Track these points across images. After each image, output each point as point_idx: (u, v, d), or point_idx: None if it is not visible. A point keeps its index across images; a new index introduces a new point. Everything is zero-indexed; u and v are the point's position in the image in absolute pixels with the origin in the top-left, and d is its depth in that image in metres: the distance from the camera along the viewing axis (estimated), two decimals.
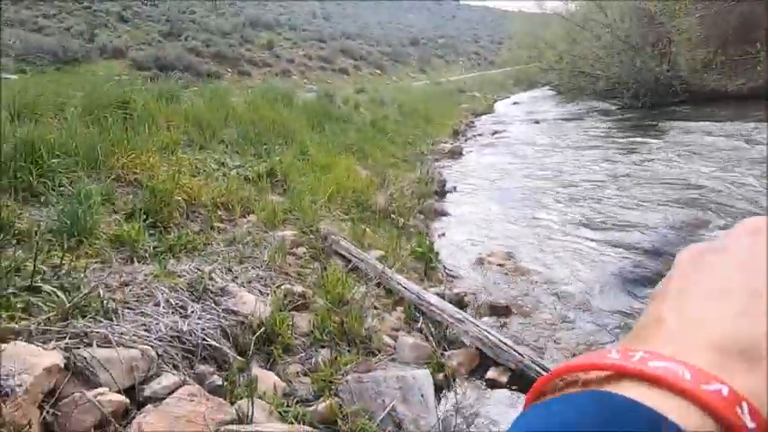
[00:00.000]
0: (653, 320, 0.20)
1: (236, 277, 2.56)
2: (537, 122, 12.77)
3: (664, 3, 12.79)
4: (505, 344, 2.46)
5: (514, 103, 19.44)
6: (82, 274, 2.05)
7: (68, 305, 1.75)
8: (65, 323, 1.70)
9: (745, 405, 0.16)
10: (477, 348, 2.51)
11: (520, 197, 5.88)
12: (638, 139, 8.83)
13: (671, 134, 8.95)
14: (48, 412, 1.40)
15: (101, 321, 1.80)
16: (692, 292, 0.20)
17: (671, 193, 5.34)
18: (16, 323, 1.62)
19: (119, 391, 1.60)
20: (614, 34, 14.04)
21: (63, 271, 2.00)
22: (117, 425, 1.48)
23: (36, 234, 2.17)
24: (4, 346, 1.48)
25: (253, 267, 2.71)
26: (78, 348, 1.62)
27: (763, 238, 0.22)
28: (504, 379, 2.33)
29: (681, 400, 0.16)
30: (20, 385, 1.32)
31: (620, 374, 0.17)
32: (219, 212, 3.32)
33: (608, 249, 4.04)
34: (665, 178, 5.97)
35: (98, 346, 1.68)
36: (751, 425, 0.16)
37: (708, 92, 12.49)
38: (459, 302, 3.06)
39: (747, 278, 0.20)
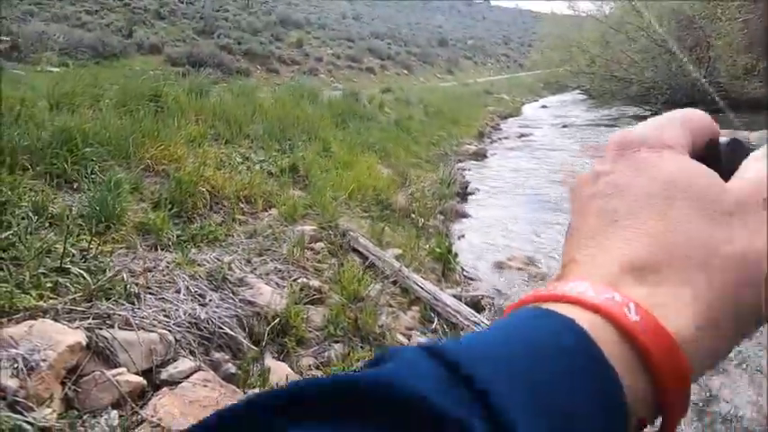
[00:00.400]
0: (568, 262, 0.23)
1: (255, 269, 2.61)
2: (565, 126, 12.49)
3: (704, 5, 12.30)
4: None
5: (543, 107, 19.08)
6: (108, 259, 2.13)
7: (93, 287, 1.82)
8: (89, 304, 1.76)
9: (632, 305, 0.19)
10: None
11: (544, 202, 5.77)
12: None
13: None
14: (69, 388, 1.46)
15: (123, 304, 1.86)
16: (586, 230, 0.23)
17: None
18: (44, 302, 1.70)
19: (137, 373, 1.66)
20: (650, 38, 13.59)
21: (90, 254, 2.08)
22: (133, 405, 1.52)
23: (67, 218, 2.27)
24: (32, 322, 1.55)
25: (271, 260, 2.76)
26: (101, 329, 1.68)
27: (630, 159, 0.24)
28: None
29: (582, 309, 0.19)
30: (44, 360, 1.38)
31: (541, 301, 0.21)
32: (242, 205, 3.39)
33: None
34: None
35: (119, 328, 1.74)
36: (635, 318, 0.19)
37: (748, 100, 11.94)
38: (476, 305, 3.03)
39: (622, 205, 0.23)
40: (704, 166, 0.23)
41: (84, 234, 2.23)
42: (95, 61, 14.05)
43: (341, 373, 0.16)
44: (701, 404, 2.18)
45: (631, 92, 14.32)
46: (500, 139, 11.15)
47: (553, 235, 4.59)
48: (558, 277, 0.23)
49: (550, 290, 0.21)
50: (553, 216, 5.18)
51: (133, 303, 1.90)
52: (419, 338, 2.49)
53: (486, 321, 2.63)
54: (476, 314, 2.71)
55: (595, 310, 0.19)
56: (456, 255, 3.73)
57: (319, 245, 3.20)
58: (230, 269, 2.42)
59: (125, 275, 2.01)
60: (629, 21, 14.65)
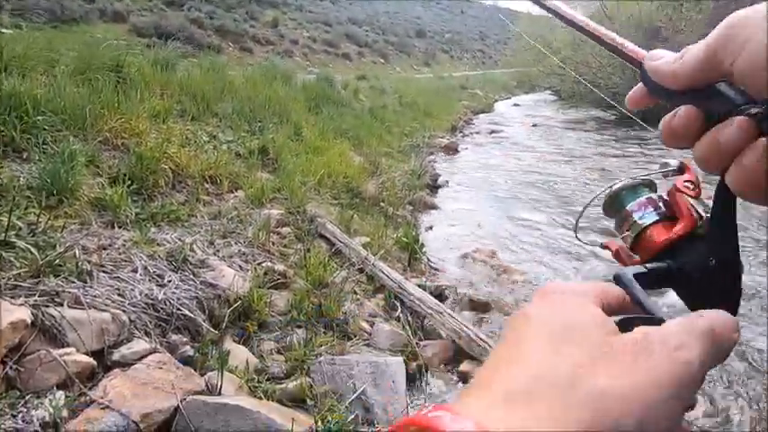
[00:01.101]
0: (471, 383, 0.25)
1: (218, 251, 2.54)
2: (534, 125, 12.80)
3: (669, 17, 12.80)
4: (481, 339, 2.48)
5: (515, 105, 19.43)
6: (59, 234, 2.02)
7: (41, 263, 1.72)
8: (36, 281, 1.67)
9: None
10: (452, 341, 2.53)
11: (510, 198, 5.91)
12: (640, 150, 8.89)
13: (673, 152, 9.00)
14: (11, 367, 1.38)
15: (74, 282, 1.77)
16: (494, 359, 0.26)
17: None
18: None
19: (87, 353, 1.59)
20: None
21: (39, 229, 1.96)
22: (82, 386, 1.46)
23: (14, 189, 2.13)
24: None
25: (235, 243, 2.69)
26: (48, 307, 1.60)
27: (545, 300, 0.27)
28: None
29: None
30: None
31: (411, 425, 0.22)
32: (207, 185, 3.29)
33: (596, 254, 4.08)
34: None
35: (69, 306, 1.66)
36: None
37: None
38: (440, 295, 3.07)
39: (522, 336, 0.25)
40: (603, 313, 0.26)
41: (33, 207, 2.10)
42: (52, 25, 13.11)
43: None
44: None
45: (599, 96, 14.78)
46: (472, 134, 11.29)
47: (517, 230, 4.71)
48: (463, 391, 0.26)
49: (420, 415, 0.22)
50: (518, 212, 5.31)
51: (85, 281, 1.82)
52: (382, 325, 2.51)
53: (448, 310, 2.68)
54: (439, 304, 2.76)
55: None
56: (422, 245, 3.77)
57: (286, 229, 3.15)
58: (192, 250, 2.35)
59: (77, 252, 1.91)
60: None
